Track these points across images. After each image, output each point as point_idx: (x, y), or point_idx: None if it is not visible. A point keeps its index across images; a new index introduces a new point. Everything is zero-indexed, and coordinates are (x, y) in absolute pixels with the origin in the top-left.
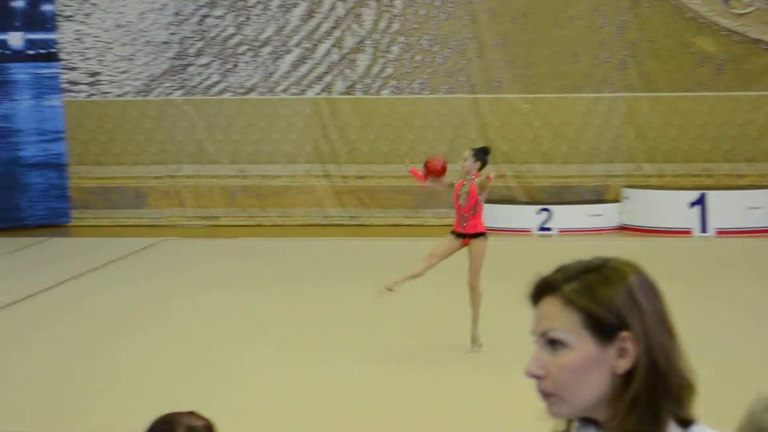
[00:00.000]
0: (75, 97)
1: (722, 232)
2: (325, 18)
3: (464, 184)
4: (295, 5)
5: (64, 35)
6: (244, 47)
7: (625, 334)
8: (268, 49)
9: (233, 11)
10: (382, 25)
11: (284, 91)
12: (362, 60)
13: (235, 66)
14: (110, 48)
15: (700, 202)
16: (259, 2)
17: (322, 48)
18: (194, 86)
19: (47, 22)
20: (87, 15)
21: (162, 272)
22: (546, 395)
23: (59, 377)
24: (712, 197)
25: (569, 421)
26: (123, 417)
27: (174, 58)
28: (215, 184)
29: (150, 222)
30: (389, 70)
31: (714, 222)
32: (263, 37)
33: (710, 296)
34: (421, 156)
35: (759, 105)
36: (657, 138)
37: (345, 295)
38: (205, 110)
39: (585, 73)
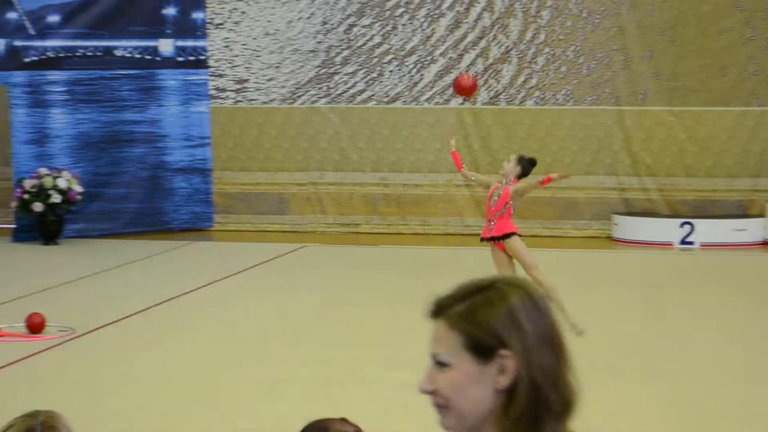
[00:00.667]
0: (222, 103)
1: None
2: (471, 28)
3: (499, 187)
4: (441, 15)
5: (214, 43)
6: (390, 56)
7: (504, 352)
8: (413, 58)
9: (380, 20)
10: (528, 35)
11: (428, 100)
12: (507, 70)
13: (381, 75)
14: (258, 56)
15: None
16: (405, 12)
17: (467, 58)
18: (339, 94)
19: (197, 30)
20: (236, 23)
21: (303, 279)
22: (438, 408)
23: (199, 380)
24: None
25: None
26: (267, 422)
27: (320, 67)
28: (356, 192)
29: (291, 228)
30: (534, 81)
31: None
32: (409, 46)
33: None
34: (565, 167)
35: None
36: None
37: None
38: (349, 118)
39: (732, 86)
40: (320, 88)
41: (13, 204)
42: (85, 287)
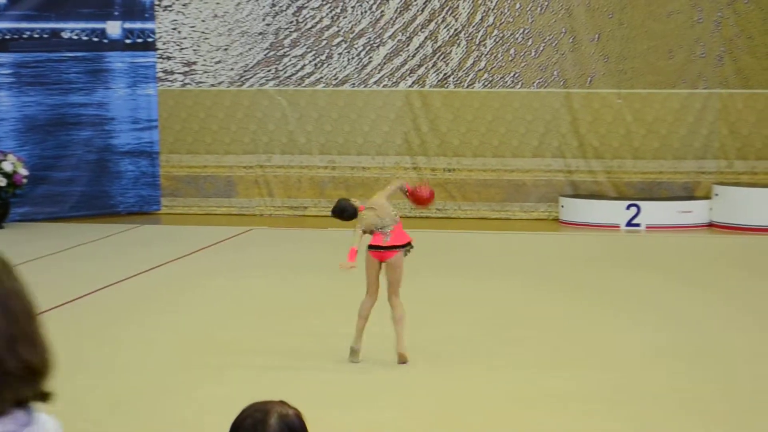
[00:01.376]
0: (170, 86)
1: None
2: (420, 11)
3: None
4: None
5: (162, 25)
6: (339, 39)
7: None
8: (362, 41)
9: (329, 3)
10: (477, 18)
11: (377, 83)
12: (456, 53)
13: (329, 57)
14: (206, 38)
15: None
16: None
17: (416, 40)
18: (288, 77)
19: (145, 12)
20: (184, 5)
21: (249, 261)
22: None
23: (145, 366)
24: None
25: None
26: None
27: (268, 49)
28: (304, 175)
29: (239, 211)
30: (482, 63)
31: None
32: (358, 28)
33: None
34: (512, 150)
35: None
36: (750, 135)
37: (432, 288)
38: (297, 101)
39: (680, 68)
40: (269, 71)
41: None
42: (31, 271)
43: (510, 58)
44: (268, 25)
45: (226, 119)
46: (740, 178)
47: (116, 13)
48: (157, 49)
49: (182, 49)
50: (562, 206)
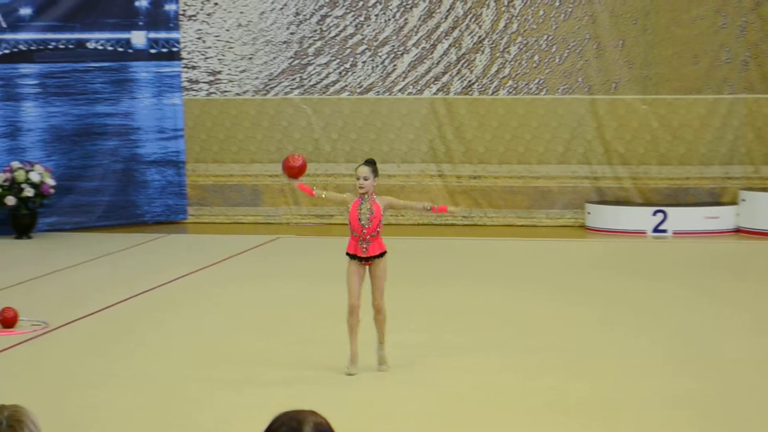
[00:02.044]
0: (195, 95)
1: None
2: (443, 18)
3: (362, 203)
4: (414, 5)
5: (186, 34)
6: (363, 47)
7: None
8: (386, 48)
9: (353, 11)
10: (501, 25)
11: (401, 90)
12: (480, 60)
13: (354, 65)
14: (231, 47)
15: None
16: (378, 2)
17: (440, 48)
18: (312, 85)
19: (170, 22)
20: (209, 15)
21: (277, 270)
22: None
23: (173, 374)
24: None
25: None
26: (240, 415)
27: (293, 58)
28: (330, 183)
29: (265, 219)
30: (506, 71)
31: None
32: (382, 36)
33: None
34: (538, 156)
35: None
36: None
37: (455, 295)
38: (322, 109)
39: (705, 74)
40: (293, 79)
41: None
42: (59, 281)
43: (534, 65)
44: (292, 33)
45: (252, 128)
46: (767, 183)
47: (141, 23)
48: (182, 58)
49: (207, 58)
50: (589, 213)
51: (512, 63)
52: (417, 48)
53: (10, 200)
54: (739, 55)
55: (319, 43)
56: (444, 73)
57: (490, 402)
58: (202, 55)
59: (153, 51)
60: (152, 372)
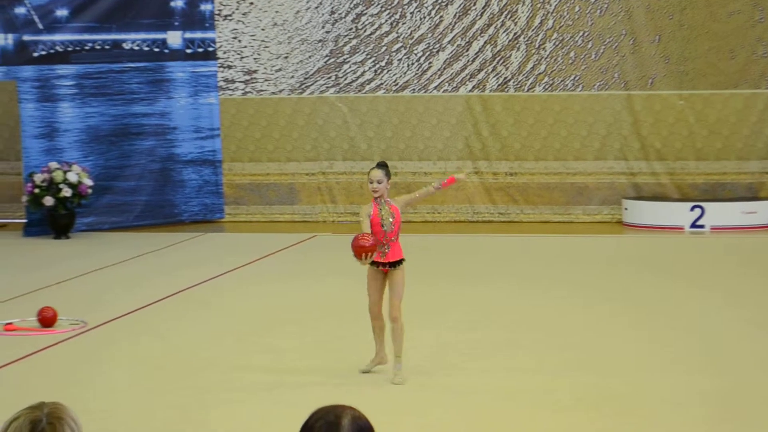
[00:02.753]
0: (231, 95)
1: None
2: (479, 15)
3: (381, 208)
4: (449, 2)
5: (222, 34)
6: (398, 45)
7: None
8: (421, 46)
9: (388, 9)
10: (537, 21)
11: (437, 88)
12: (515, 57)
13: (389, 63)
14: (266, 46)
15: None
16: (413, 0)
17: (476, 45)
18: (348, 84)
19: (205, 21)
20: (244, 14)
21: (315, 268)
22: None
23: (212, 372)
24: None
25: None
26: (277, 413)
27: (328, 56)
28: (366, 181)
29: (301, 218)
30: (542, 67)
31: None
32: (417, 34)
33: None
34: (574, 153)
35: None
36: None
37: (492, 294)
38: (358, 107)
39: (742, 69)
40: (329, 78)
41: (24, 198)
42: (97, 280)
43: (570, 61)
44: (327, 32)
45: (288, 127)
46: None
47: (177, 23)
48: (218, 58)
49: (243, 57)
50: (626, 208)
51: (548, 59)
52: (452, 45)
53: (48, 201)
54: None
55: (354, 42)
56: (479, 71)
57: (518, 400)
58: (238, 54)
59: (189, 51)
60: (190, 370)
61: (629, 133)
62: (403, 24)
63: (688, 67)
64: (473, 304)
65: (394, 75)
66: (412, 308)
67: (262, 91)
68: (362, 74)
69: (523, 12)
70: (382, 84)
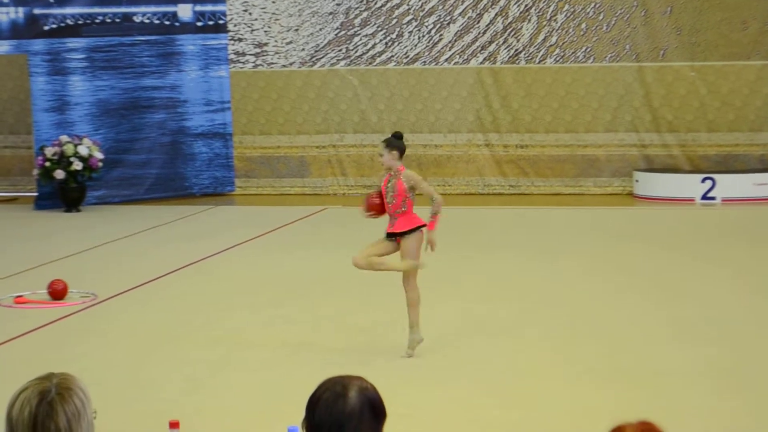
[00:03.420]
0: (241, 68)
1: None
2: None
3: (390, 180)
4: None
5: (233, 7)
6: (409, 17)
7: None
8: (432, 18)
9: None
10: None
11: (448, 60)
12: (526, 29)
13: (400, 36)
14: (277, 19)
15: None
16: None
17: (487, 17)
18: (358, 56)
19: None
20: None
21: (325, 240)
22: None
23: (223, 344)
24: None
25: None
26: (291, 384)
27: (339, 29)
28: (377, 153)
29: (312, 191)
30: (553, 39)
31: None
32: (428, 6)
33: None
34: (585, 125)
35: None
36: None
37: (503, 267)
38: (368, 80)
39: (754, 40)
40: (339, 50)
41: (35, 172)
42: (107, 253)
43: (581, 33)
44: (338, 4)
45: (298, 100)
46: None
47: None
48: (229, 31)
49: (253, 30)
50: (637, 181)
51: (559, 31)
52: (463, 17)
53: (59, 174)
54: None
55: (365, 14)
56: (490, 42)
57: (528, 372)
58: (249, 27)
59: (199, 24)
60: (201, 342)
61: (640, 104)
62: None
63: (699, 38)
64: (484, 277)
65: (404, 47)
66: (423, 281)
67: (272, 63)
68: (373, 47)
69: None
70: (392, 56)
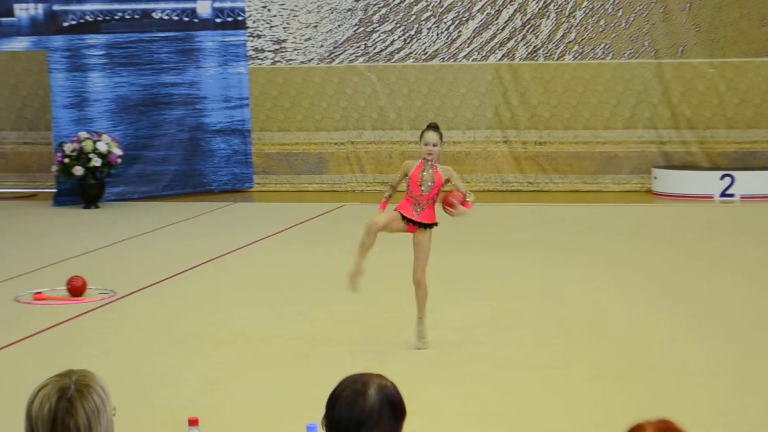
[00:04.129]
0: (260, 64)
1: None
2: None
3: (425, 168)
4: None
5: (251, 3)
6: (428, 13)
7: None
8: (451, 15)
9: None
10: None
11: (466, 57)
12: (545, 25)
13: (418, 32)
14: (296, 15)
15: None
16: None
17: (505, 13)
18: (377, 53)
19: None
20: None
21: (344, 238)
22: None
23: (242, 340)
24: None
25: None
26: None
27: (358, 25)
28: (395, 150)
29: (330, 187)
30: (572, 35)
31: None
32: (447, 2)
33: None
34: (604, 121)
35: None
36: None
37: (519, 265)
38: (387, 77)
39: None
40: (358, 47)
41: (54, 168)
42: (126, 250)
43: (600, 30)
44: (356, 1)
45: (317, 96)
46: None
47: None
48: (248, 27)
49: (272, 27)
50: (655, 177)
51: (578, 28)
52: (482, 14)
53: (78, 170)
54: None
55: (383, 10)
56: (509, 39)
57: (541, 371)
58: (267, 23)
59: (218, 20)
60: (219, 338)
61: (659, 101)
62: None
63: (718, 34)
64: (500, 274)
65: (423, 44)
66: (438, 277)
67: (291, 60)
68: (391, 43)
69: None
70: (411, 53)
